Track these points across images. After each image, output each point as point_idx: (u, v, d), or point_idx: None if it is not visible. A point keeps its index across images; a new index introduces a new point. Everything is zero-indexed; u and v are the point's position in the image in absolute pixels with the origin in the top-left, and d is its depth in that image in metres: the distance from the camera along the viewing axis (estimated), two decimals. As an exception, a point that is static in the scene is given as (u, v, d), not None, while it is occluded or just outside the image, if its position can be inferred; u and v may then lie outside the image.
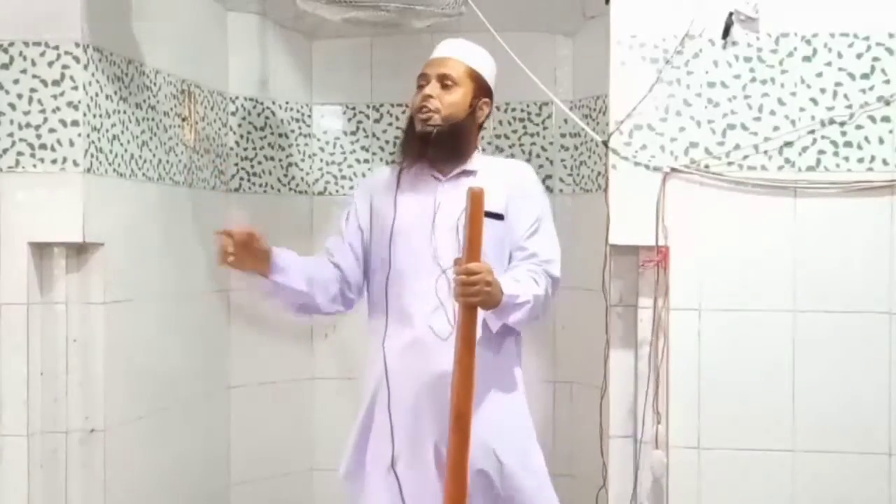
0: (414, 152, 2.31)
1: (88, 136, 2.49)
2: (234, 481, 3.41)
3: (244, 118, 3.43)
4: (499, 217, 2.21)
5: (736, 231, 2.58)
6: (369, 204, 2.38)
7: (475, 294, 2.02)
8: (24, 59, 2.46)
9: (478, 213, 1.98)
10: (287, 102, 3.55)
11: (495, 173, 2.32)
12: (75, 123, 2.46)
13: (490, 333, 2.24)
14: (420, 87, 2.33)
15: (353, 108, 3.61)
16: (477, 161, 2.37)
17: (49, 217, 2.46)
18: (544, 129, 3.49)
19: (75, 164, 2.46)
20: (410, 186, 2.32)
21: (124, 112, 2.68)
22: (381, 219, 2.32)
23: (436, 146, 2.28)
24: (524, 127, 3.49)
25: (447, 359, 2.13)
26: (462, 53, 2.36)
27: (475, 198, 1.98)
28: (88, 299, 2.54)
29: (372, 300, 2.36)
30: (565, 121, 3.43)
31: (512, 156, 3.47)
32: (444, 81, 2.30)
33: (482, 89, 2.36)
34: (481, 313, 2.12)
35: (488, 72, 2.40)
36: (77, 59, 2.46)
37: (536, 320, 2.26)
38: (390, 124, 3.58)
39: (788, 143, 2.57)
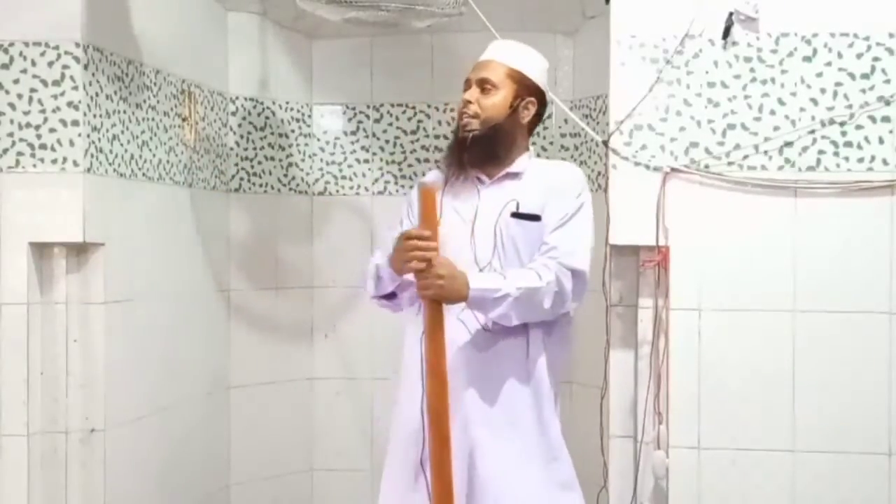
0: (452, 158, 2.33)
1: (88, 136, 2.49)
2: (234, 481, 3.41)
3: (244, 118, 3.43)
4: (533, 218, 2.20)
5: (736, 231, 2.58)
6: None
7: (427, 287, 2.07)
8: (24, 59, 2.46)
9: (429, 208, 2.07)
10: (287, 102, 3.55)
11: (539, 175, 2.31)
12: (75, 123, 2.46)
13: (513, 336, 2.23)
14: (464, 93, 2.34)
15: (353, 108, 3.61)
16: (524, 163, 2.33)
17: (49, 217, 2.46)
18: (544, 129, 3.49)
19: (75, 164, 2.46)
20: (455, 191, 2.32)
21: (124, 112, 2.68)
22: None
23: (472, 150, 2.28)
24: (524, 127, 3.49)
25: (476, 358, 2.20)
26: (503, 55, 2.33)
27: (424, 195, 2.07)
28: (88, 299, 2.54)
29: (416, 307, 2.32)
30: (565, 121, 3.43)
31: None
32: (484, 85, 2.29)
33: (526, 89, 2.31)
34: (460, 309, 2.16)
35: (534, 71, 2.34)
36: (77, 59, 2.46)
37: (537, 313, 2.19)
38: (390, 124, 3.58)
39: (788, 143, 2.57)
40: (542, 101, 2.36)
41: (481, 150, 2.28)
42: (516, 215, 2.22)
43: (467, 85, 2.33)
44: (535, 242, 2.24)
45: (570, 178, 2.32)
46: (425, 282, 2.08)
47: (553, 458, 2.26)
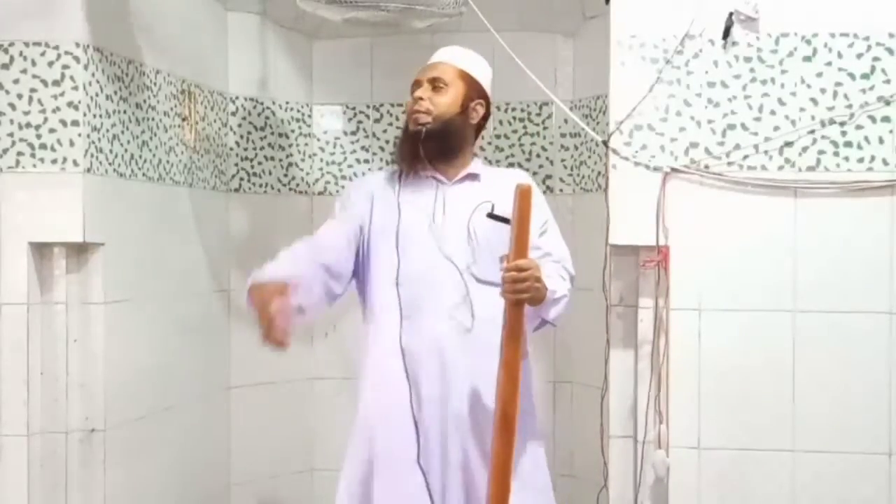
0: (407, 152, 2.34)
1: (88, 136, 2.49)
2: (234, 481, 3.41)
3: (244, 118, 3.43)
4: (507, 221, 2.20)
5: (736, 231, 2.58)
6: (370, 202, 2.38)
7: (525, 290, 2.02)
8: (24, 59, 2.46)
9: (526, 209, 1.98)
10: (287, 102, 3.55)
11: (498, 180, 2.35)
12: (75, 123, 2.46)
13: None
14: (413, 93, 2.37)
15: (353, 108, 3.61)
16: (479, 166, 2.40)
17: (49, 217, 2.46)
18: (544, 129, 3.49)
19: (75, 164, 2.46)
20: (413, 189, 2.35)
21: (124, 112, 2.68)
22: (385, 220, 2.33)
23: (426, 143, 2.31)
24: (524, 127, 3.49)
25: (464, 359, 2.21)
26: (452, 57, 2.40)
27: (523, 195, 1.98)
28: (88, 299, 2.54)
29: (377, 301, 2.34)
30: (565, 121, 3.43)
31: (512, 156, 3.47)
32: (436, 84, 2.35)
33: (475, 91, 2.39)
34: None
35: (481, 74, 2.42)
36: (77, 59, 2.46)
37: (561, 317, 2.28)
38: (390, 124, 3.58)
39: (788, 143, 2.57)
40: (488, 106, 2.43)
41: (436, 145, 2.32)
42: (493, 217, 2.19)
43: (418, 85, 2.37)
44: (506, 245, 2.20)
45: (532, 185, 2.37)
46: (525, 285, 2.02)
47: (533, 466, 2.30)
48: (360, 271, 2.38)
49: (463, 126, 2.36)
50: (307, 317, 2.26)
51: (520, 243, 2.02)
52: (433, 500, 2.20)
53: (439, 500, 2.21)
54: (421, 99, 2.33)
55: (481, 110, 2.40)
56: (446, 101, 2.34)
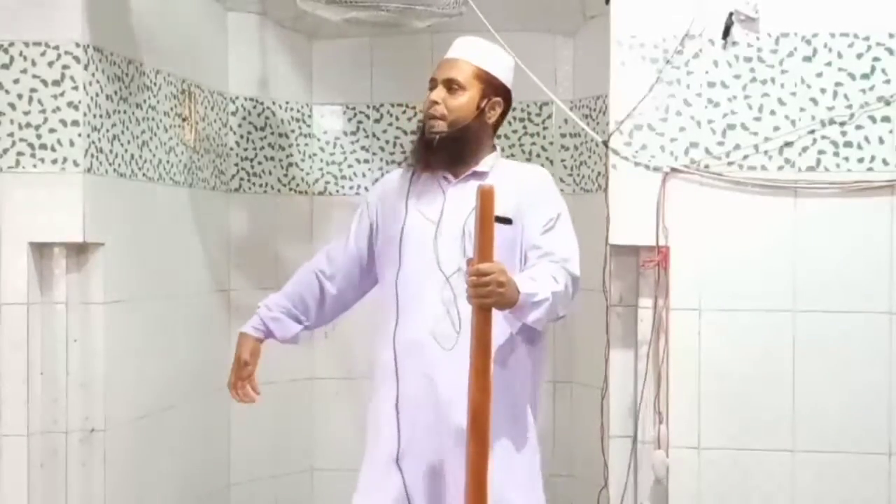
0: (420, 157, 2.32)
1: (88, 136, 2.49)
2: (234, 481, 3.41)
3: (244, 118, 3.43)
4: (506, 221, 2.12)
5: (736, 231, 2.58)
6: (381, 204, 2.39)
7: (487, 295, 1.97)
8: (24, 59, 2.46)
9: (488, 211, 1.95)
10: (287, 102, 3.55)
11: (508, 176, 2.29)
12: (75, 123, 2.46)
13: (503, 345, 2.22)
14: (430, 92, 2.33)
15: (353, 108, 3.61)
16: (490, 163, 2.33)
17: (49, 217, 2.46)
18: (544, 129, 3.49)
19: (75, 164, 2.46)
20: (421, 189, 2.33)
21: (124, 112, 2.68)
22: (393, 220, 2.32)
23: (438, 153, 2.28)
24: (524, 127, 3.49)
25: (446, 368, 2.17)
26: (471, 54, 2.33)
27: (485, 196, 1.95)
28: (88, 299, 2.54)
29: (383, 295, 2.36)
30: (565, 121, 3.43)
31: (512, 156, 3.47)
32: (451, 85, 2.29)
33: (493, 88, 2.32)
34: (499, 313, 2.06)
35: (500, 70, 2.35)
36: (77, 59, 2.46)
37: (558, 319, 2.21)
38: (390, 124, 3.58)
39: (788, 143, 2.57)
40: (507, 100, 2.37)
41: (448, 152, 2.28)
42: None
43: (433, 84, 2.32)
44: (508, 245, 2.19)
45: (545, 181, 2.35)
46: (486, 289, 1.97)
47: (530, 474, 2.27)
48: (376, 263, 2.41)
49: (478, 129, 2.31)
50: (314, 327, 2.50)
51: (482, 246, 1.97)
52: (410, 502, 2.20)
53: (419, 502, 2.20)
54: (435, 103, 2.28)
55: (499, 109, 2.34)
56: (461, 105, 2.28)
